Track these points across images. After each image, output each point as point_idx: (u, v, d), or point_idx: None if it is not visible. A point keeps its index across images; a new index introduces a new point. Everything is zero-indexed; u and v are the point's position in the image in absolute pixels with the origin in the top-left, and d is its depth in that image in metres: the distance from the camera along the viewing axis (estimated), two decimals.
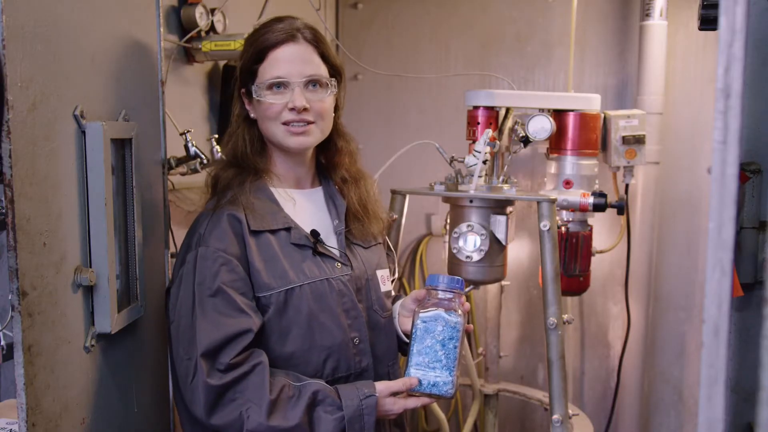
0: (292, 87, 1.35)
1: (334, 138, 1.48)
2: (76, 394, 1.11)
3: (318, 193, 1.50)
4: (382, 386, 1.30)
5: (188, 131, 1.63)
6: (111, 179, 1.17)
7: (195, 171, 1.63)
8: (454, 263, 2.04)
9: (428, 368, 1.27)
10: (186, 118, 1.79)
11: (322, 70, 1.39)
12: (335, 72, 1.42)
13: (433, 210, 2.82)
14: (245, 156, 1.40)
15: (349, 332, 1.38)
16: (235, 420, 1.22)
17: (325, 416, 1.23)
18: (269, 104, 1.35)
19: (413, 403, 1.32)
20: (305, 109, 1.34)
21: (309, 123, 1.36)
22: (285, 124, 1.35)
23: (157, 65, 1.44)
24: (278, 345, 1.32)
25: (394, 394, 1.31)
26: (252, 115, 1.41)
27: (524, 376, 2.83)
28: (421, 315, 1.30)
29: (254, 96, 1.37)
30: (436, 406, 2.41)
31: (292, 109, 1.34)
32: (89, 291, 1.14)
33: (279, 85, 1.35)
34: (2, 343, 1.19)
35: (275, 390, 1.23)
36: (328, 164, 1.52)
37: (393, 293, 1.57)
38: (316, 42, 1.39)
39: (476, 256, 1.97)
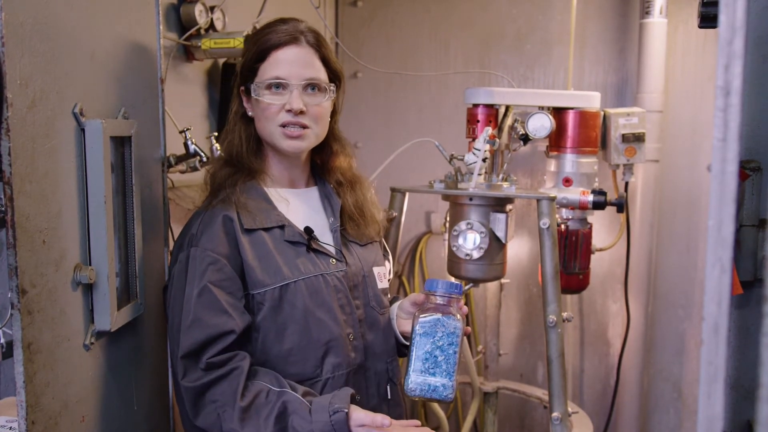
0: (290, 89, 1.36)
1: (330, 141, 1.50)
2: (76, 392, 1.11)
3: (313, 192, 1.51)
4: (359, 414, 1.22)
5: (188, 129, 1.63)
6: (110, 177, 1.17)
7: (194, 169, 1.63)
8: (454, 261, 2.04)
9: (428, 373, 1.26)
10: (185, 115, 1.79)
11: (322, 74, 1.40)
12: (335, 77, 1.43)
13: (432, 208, 2.82)
14: (240, 155, 1.41)
15: (345, 328, 1.38)
16: (215, 421, 1.23)
17: (297, 430, 1.20)
18: (267, 104, 1.36)
19: None
20: (302, 112, 1.35)
21: (305, 127, 1.37)
22: (282, 126, 1.36)
23: (157, 63, 1.43)
24: (276, 342, 1.33)
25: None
26: (249, 114, 1.43)
27: (524, 374, 2.83)
28: (420, 320, 1.29)
29: (253, 94, 1.38)
30: (435, 405, 2.41)
31: (288, 111, 1.35)
32: (89, 289, 1.14)
33: (278, 86, 1.36)
34: (2, 341, 1.19)
35: (249, 395, 1.22)
36: (324, 167, 1.53)
37: (389, 294, 1.57)
38: (319, 46, 1.40)
39: (476, 254, 1.97)
